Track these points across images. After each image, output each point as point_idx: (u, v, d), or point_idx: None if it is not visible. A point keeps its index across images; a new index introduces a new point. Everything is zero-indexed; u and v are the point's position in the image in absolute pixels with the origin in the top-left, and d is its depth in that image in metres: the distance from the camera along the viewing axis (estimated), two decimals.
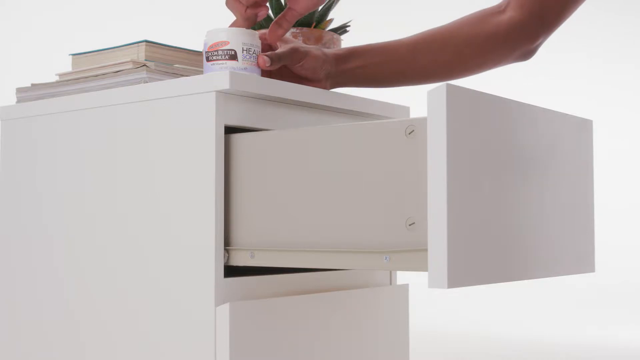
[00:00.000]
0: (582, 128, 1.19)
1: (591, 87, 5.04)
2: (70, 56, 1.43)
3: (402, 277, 4.49)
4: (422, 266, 0.98)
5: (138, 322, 1.23)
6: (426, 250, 0.97)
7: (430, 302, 3.98)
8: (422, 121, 1.00)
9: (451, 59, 1.31)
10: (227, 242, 1.18)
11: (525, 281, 4.49)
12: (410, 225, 1.00)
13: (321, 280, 1.30)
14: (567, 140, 1.14)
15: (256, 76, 1.19)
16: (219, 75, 1.15)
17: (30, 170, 1.41)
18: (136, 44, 1.34)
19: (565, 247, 1.13)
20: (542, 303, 4.02)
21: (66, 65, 3.87)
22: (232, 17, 1.29)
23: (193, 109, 1.18)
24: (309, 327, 1.24)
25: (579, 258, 1.16)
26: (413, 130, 1.01)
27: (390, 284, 1.44)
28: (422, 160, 1.00)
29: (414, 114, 5.16)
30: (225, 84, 1.14)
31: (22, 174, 1.43)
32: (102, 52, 1.38)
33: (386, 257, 1.01)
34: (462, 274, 0.92)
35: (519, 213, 1.03)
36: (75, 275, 1.33)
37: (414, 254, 0.99)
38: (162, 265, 1.20)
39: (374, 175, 1.04)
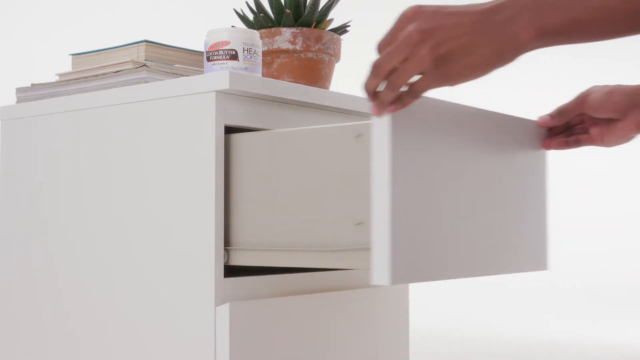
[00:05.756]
0: (530, 129, 1.20)
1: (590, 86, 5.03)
2: (70, 56, 1.43)
3: None
4: (368, 264, 1.02)
5: (138, 322, 1.23)
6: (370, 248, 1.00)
7: (430, 302, 3.98)
8: (369, 126, 1.04)
9: None
10: (227, 242, 1.18)
11: (527, 282, 4.49)
12: (357, 224, 1.05)
13: (321, 280, 1.30)
14: (516, 142, 1.17)
15: (256, 76, 1.19)
16: (219, 75, 1.15)
17: (30, 170, 1.41)
18: (136, 44, 1.34)
19: (517, 246, 1.17)
20: (543, 303, 4.03)
21: (66, 65, 3.88)
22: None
23: (193, 109, 1.18)
24: (309, 327, 1.24)
25: (531, 257, 1.20)
26: (361, 135, 1.05)
27: None
28: (369, 163, 1.04)
29: None
30: (225, 84, 1.14)
31: (22, 174, 1.43)
32: (102, 52, 1.38)
33: (335, 256, 1.06)
34: (405, 270, 0.96)
35: (464, 213, 1.06)
36: (75, 275, 1.33)
37: (361, 253, 1.03)
38: (162, 265, 1.20)
39: (327, 177, 1.08)
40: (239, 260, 1.17)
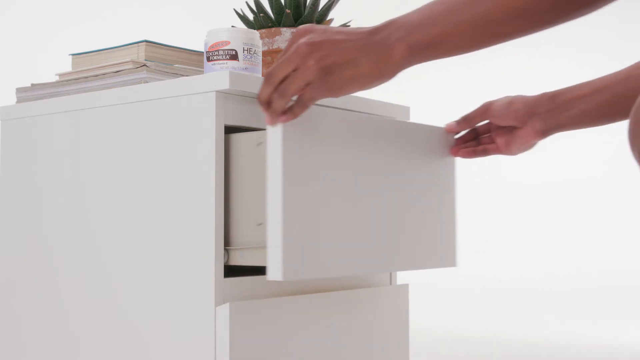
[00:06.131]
0: (438, 136, 1.29)
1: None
2: (70, 56, 1.43)
3: (402, 277, 4.49)
4: (265, 261, 1.13)
5: (138, 322, 1.23)
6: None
7: (430, 302, 3.98)
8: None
9: None
10: (227, 242, 1.18)
11: (527, 283, 4.49)
12: (259, 225, 1.16)
13: (321, 280, 1.30)
14: (423, 148, 1.27)
15: (256, 76, 1.19)
16: (219, 75, 1.15)
17: (30, 170, 1.41)
18: (136, 44, 1.34)
19: (422, 244, 1.27)
20: (543, 303, 4.02)
21: (66, 65, 3.87)
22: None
23: (193, 109, 1.18)
24: (309, 327, 1.24)
25: (439, 254, 1.30)
26: (261, 142, 1.15)
27: (390, 284, 1.44)
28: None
29: (414, 113, 5.17)
30: (225, 84, 1.14)
31: (22, 174, 1.43)
32: (102, 52, 1.38)
33: (241, 254, 1.16)
34: (297, 267, 1.05)
35: (360, 214, 1.15)
36: (75, 275, 1.33)
37: (260, 251, 1.14)
38: (162, 265, 1.20)
39: (240, 181, 1.18)
40: (239, 260, 1.17)
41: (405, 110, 1.47)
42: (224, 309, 1.12)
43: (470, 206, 5.08)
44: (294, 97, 1.11)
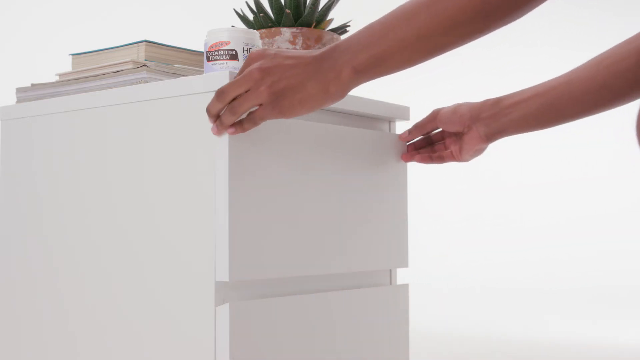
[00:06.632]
0: (391, 143, 1.37)
1: None
2: (70, 56, 1.43)
3: (402, 277, 4.49)
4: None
5: (138, 322, 1.23)
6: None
7: (430, 302, 3.98)
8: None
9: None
10: None
11: (527, 283, 4.49)
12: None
13: (321, 280, 1.30)
14: (375, 154, 1.34)
15: None
16: (219, 75, 1.15)
17: (30, 170, 1.41)
18: (136, 44, 1.34)
19: (372, 246, 1.33)
20: (543, 303, 4.03)
21: (66, 65, 3.88)
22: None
23: (193, 109, 1.18)
24: (309, 327, 1.24)
25: (391, 255, 1.37)
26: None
27: (390, 284, 1.44)
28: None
29: (414, 113, 5.17)
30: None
31: (22, 174, 1.43)
32: (102, 52, 1.38)
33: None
34: (242, 269, 1.13)
35: (306, 218, 1.22)
36: (74, 275, 1.33)
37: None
38: (162, 265, 1.20)
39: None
40: None
41: (405, 110, 1.47)
42: (224, 309, 1.12)
43: (470, 206, 5.09)
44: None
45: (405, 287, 1.43)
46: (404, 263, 1.41)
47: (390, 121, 1.46)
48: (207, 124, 1.16)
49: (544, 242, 4.91)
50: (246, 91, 1.06)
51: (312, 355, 1.24)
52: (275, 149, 1.18)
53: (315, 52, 1.06)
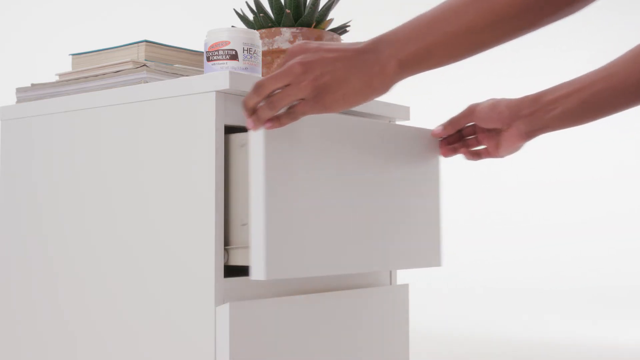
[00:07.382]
0: (425, 138, 1.33)
1: None
2: (70, 56, 1.43)
3: (402, 277, 4.49)
4: (249, 260, 1.15)
5: (137, 322, 1.23)
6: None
7: (430, 302, 3.98)
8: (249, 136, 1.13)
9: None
10: (227, 242, 1.18)
11: (527, 283, 4.49)
12: (242, 225, 1.17)
13: (321, 280, 1.30)
14: (409, 150, 1.30)
15: (256, 76, 1.19)
16: (218, 75, 1.15)
17: (30, 170, 1.41)
18: (136, 44, 1.34)
19: (406, 244, 1.30)
20: (543, 303, 4.03)
21: (66, 65, 3.87)
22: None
23: (193, 109, 1.18)
24: (309, 327, 1.24)
25: (424, 254, 1.33)
26: (245, 144, 1.16)
27: (390, 284, 1.44)
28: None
29: (414, 113, 5.16)
30: (225, 84, 1.14)
31: (22, 174, 1.43)
32: (102, 52, 1.38)
33: (225, 255, 1.18)
34: (280, 266, 1.08)
35: (343, 214, 1.18)
36: (74, 275, 1.33)
37: (244, 250, 1.16)
38: (161, 266, 1.20)
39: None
40: (239, 260, 1.17)
41: (405, 110, 1.47)
42: (224, 309, 1.12)
43: (470, 207, 5.08)
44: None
45: (405, 287, 1.43)
46: (437, 262, 1.36)
47: (390, 121, 1.46)
48: (210, 124, 1.16)
49: (544, 242, 4.91)
50: (286, 86, 1.02)
51: (312, 355, 1.24)
52: (307, 143, 1.15)
53: (358, 44, 1.03)
